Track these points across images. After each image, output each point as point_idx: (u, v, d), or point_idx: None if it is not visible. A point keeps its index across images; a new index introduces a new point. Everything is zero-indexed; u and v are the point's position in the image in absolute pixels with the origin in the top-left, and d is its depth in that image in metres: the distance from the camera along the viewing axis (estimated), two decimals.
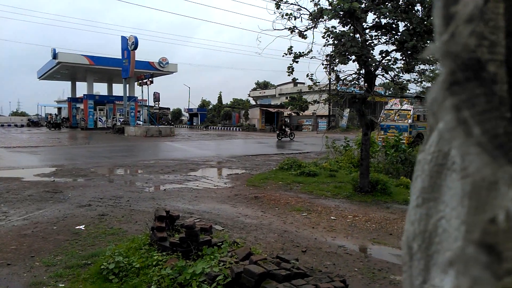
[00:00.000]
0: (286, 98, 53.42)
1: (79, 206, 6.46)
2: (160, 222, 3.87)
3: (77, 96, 46.46)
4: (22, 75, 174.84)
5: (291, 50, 7.62)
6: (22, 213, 5.94)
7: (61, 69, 40.13)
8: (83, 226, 5.24)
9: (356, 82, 7.82)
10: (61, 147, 19.78)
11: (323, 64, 7.80)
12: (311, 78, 7.77)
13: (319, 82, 8.06)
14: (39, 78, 49.14)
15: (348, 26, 7.10)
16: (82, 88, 46.70)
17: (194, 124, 58.89)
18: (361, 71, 7.47)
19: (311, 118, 44.56)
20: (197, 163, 12.97)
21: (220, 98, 58.05)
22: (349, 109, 42.96)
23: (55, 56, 36.88)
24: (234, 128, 46.05)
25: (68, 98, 48.98)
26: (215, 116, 56.27)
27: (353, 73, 7.58)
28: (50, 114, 53.56)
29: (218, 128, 48.55)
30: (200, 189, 8.17)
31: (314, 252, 4.40)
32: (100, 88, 52.86)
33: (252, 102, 64.92)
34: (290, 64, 7.73)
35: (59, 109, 62.57)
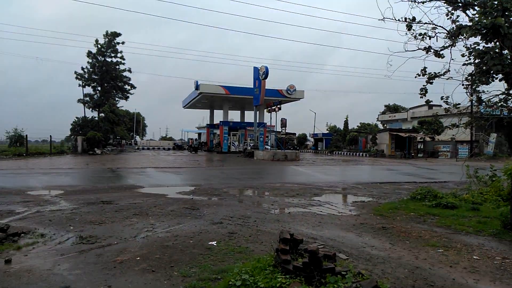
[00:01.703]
0: (418, 123, 49.58)
1: (212, 223, 7.00)
2: (284, 244, 3.94)
3: (214, 122, 51.10)
4: (171, 105, 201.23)
5: (425, 71, 7.12)
6: (165, 226, 6.71)
7: (202, 99, 44.87)
8: (215, 242, 5.64)
9: (504, 104, 6.86)
10: (199, 169, 21.89)
11: (463, 85, 7.07)
12: (446, 101, 7.08)
13: (459, 104, 7.29)
14: (183, 107, 55.71)
15: (493, 42, 6.33)
16: (218, 116, 51.31)
17: (319, 149, 58.91)
18: (511, 91, 6.53)
19: (449, 143, 40.41)
20: (321, 188, 12.88)
21: (346, 123, 56.98)
22: (496, 134, 37.69)
23: (197, 87, 41.55)
24: (361, 153, 44.50)
25: (206, 124, 54.32)
26: (340, 141, 55.33)
27: (500, 93, 6.68)
28: (191, 139, 59.92)
29: (344, 153, 47.57)
30: (324, 215, 8.07)
31: None
32: (234, 115, 57.31)
33: (380, 126, 62.05)
34: (424, 85, 7.21)
35: (199, 134, 69.62)
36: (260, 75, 34.67)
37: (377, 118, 65.05)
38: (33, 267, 4.49)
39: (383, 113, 68.73)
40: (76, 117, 46.17)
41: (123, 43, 46.95)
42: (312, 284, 3.37)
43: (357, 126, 64.59)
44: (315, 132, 63.34)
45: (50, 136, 38.51)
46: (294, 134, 67.95)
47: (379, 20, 7.04)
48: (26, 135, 36.69)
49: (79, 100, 46.01)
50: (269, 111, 35.69)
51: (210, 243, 5.60)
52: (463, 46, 6.70)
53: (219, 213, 7.94)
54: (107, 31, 46.19)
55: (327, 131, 62.89)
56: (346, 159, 34.71)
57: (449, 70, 6.86)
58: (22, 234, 5.90)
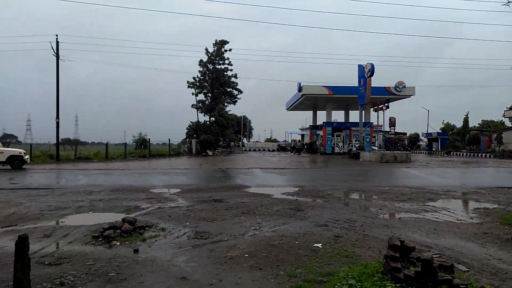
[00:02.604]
0: None
1: (317, 225, 6.97)
2: (394, 251, 3.74)
3: (317, 123, 50.76)
4: (276, 107, 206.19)
5: None
6: (271, 226, 6.89)
7: (305, 100, 45.00)
8: (320, 244, 5.61)
9: None
10: (303, 170, 21.97)
11: None
12: None
13: None
14: (287, 109, 56.56)
15: None
16: (321, 116, 50.86)
17: (433, 149, 54.26)
18: None
19: None
20: (437, 192, 11.86)
21: (466, 121, 51.41)
22: None
23: (300, 89, 41.81)
24: (483, 154, 39.73)
25: (309, 126, 54.29)
26: (458, 140, 50.20)
27: None
28: (294, 140, 60.44)
29: (462, 154, 43.02)
30: (440, 222, 7.41)
31: None
32: (338, 116, 56.20)
33: (508, 123, 54.61)
34: None
35: (302, 135, 69.92)
36: (366, 72, 33.37)
37: (503, 115, 57.14)
38: (155, 257, 5.02)
39: (511, 108, 60.29)
40: (191, 122, 50.24)
41: (230, 50, 49.60)
42: None
43: (479, 124, 57.86)
44: (428, 131, 58.62)
45: (169, 139, 42.64)
46: (405, 134, 63.83)
47: (503, 5, 6.23)
48: (149, 139, 41.24)
49: (192, 106, 49.97)
50: (375, 110, 34.12)
51: (315, 245, 5.58)
52: None
53: (324, 216, 7.86)
54: (216, 40, 49.31)
55: (441, 130, 57.64)
56: (466, 161, 31.35)
57: None
58: (147, 228, 6.63)
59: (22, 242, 3.71)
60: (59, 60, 30.60)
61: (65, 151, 41.68)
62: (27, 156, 22.73)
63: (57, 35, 30.64)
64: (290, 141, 68.03)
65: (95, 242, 5.79)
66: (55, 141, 32.61)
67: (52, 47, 30.28)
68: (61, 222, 7.44)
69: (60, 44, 30.68)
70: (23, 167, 21.79)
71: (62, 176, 18.06)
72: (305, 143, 54.47)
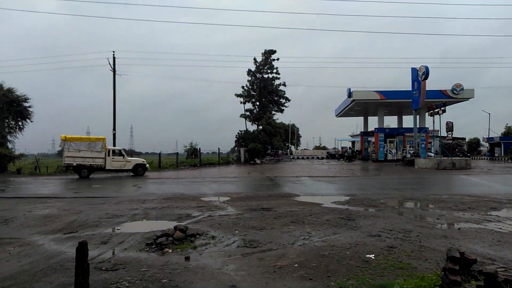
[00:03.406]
0: None
1: (369, 235, 6.73)
2: (453, 264, 3.50)
3: (369, 130, 49.37)
4: (325, 114, 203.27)
5: None
6: (321, 235, 6.75)
7: (355, 106, 44.00)
8: (373, 255, 5.40)
9: None
10: (354, 178, 21.41)
11: None
12: None
13: None
14: (336, 115, 55.59)
15: None
16: (373, 122, 49.42)
17: (496, 155, 50.74)
18: None
19: None
20: (500, 201, 11.03)
21: None
22: None
23: (350, 94, 40.98)
24: None
25: (360, 132, 52.93)
26: None
27: None
28: (344, 147, 59.19)
29: None
30: (505, 233, 6.87)
31: None
32: (390, 121, 54.32)
33: None
34: None
35: (353, 142, 68.30)
36: (419, 75, 32.00)
37: None
38: (206, 265, 5.09)
39: None
40: (240, 131, 50.96)
41: (277, 59, 49.98)
42: None
43: None
44: (490, 136, 54.95)
45: (218, 148, 43.47)
46: (463, 139, 60.35)
47: None
48: (199, 148, 42.29)
49: (241, 115, 50.73)
50: (431, 115, 32.50)
51: (368, 256, 5.38)
52: None
53: (377, 225, 7.57)
54: (265, 49, 49.92)
55: (503, 135, 53.75)
56: None
57: None
58: (197, 235, 6.76)
59: (82, 249, 3.92)
60: (116, 75, 32.47)
61: None
62: (147, 165, 25.71)
63: (113, 51, 32.66)
64: (339, 149, 66.75)
65: (149, 249, 5.99)
66: None
67: (109, 63, 32.26)
68: (117, 229, 7.80)
69: (118, 60, 32.63)
70: (143, 174, 24.45)
71: (118, 185, 18.99)
72: (356, 150, 53.15)
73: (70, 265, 4.99)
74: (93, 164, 23.45)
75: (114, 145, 33.00)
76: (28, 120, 30.87)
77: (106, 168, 23.86)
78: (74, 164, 23.28)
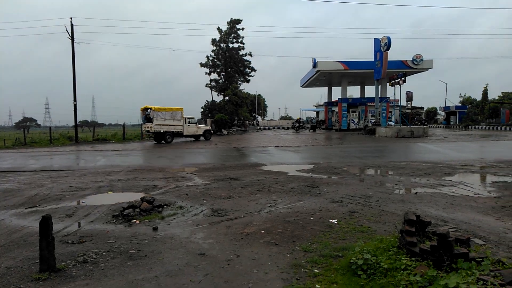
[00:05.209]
0: None
1: (332, 201, 7.01)
2: (410, 226, 3.75)
3: (333, 100, 50.11)
4: (291, 85, 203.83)
5: None
6: (287, 202, 6.96)
7: (320, 76, 44.36)
8: (336, 220, 5.65)
9: None
10: (318, 147, 21.90)
11: None
12: None
13: None
14: (301, 86, 55.91)
15: None
16: (337, 93, 50.14)
17: (451, 123, 53.25)
18: None
19: None
20: (454, 167, 11.71)
21: (485, 93, 49.89)
22: None
23: (315, 65, 41.16)
24: (504, 127, 38.82)
25: (325, 102, 53.63)
26: (477, 114, 49.01)
27: None
28: (308, 117, 59.87)
29: (481, 127, 42.12)
30: (457, 196, 7.36)
31: None
32: (353, 91, 55.34)
33: None
34: None
35: (317, 112, 69.23)
36: (382, 46, 32.56)
37: None
38: (174, 234, 5.15)
39: None
40: (207, 101, 50.29)
41: (243, 29, 49.07)
42: (442, 268, 3.15)
43: (499, 96, 56.22)
44: (446, 105, 57.37)
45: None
46: (422, 108, 62.59)
47: None
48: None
49: (206, 85, 49.93)
50: (392, 85, 33.39)
51: (331, 221, 5.63)
52: None
53: (339, 192, 7.88)
54: (231, 18, 48.72)
55: (460, 104, 56.28)
56: (485, 134, 30.70)
57: None
58: (165, 206, 6.78)
59: (46, 222, 3.85)
60: (74, 43, 30.79)
61: (83, 133, 42.41)
62: (212, 130, 31.07)
63: (71, 18, 30.74)
64: (305, 119, 67.57)
65: (116, 221, 5.96)
66: (73, 124, 33.29)
67: (67, 30, 30.44)
68: (82, 202, 7.67)
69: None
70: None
71: (81, 157, 18.46)
72: (320, 120, 54.01)
73: (34, 240, 4.90)
74: (174, 131, 27.45)
75: (76, 116, 31.99)
76: None
77: (184, 134, 28.15)
78: (161, 131, 26.84)
